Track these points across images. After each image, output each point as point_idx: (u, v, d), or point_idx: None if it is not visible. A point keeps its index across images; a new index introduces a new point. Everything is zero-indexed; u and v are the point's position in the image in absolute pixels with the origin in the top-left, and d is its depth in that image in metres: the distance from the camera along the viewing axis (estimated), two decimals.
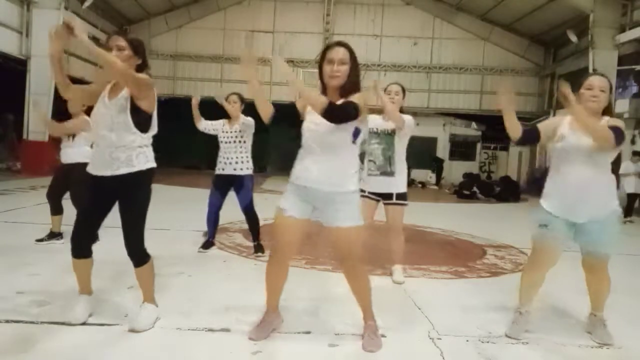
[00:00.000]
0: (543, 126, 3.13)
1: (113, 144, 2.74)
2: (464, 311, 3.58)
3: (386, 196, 4.25)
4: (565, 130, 3.00)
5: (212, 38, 19.48)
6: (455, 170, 21.34)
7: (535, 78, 19.55)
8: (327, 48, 2.74)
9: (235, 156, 4.91)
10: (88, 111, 3.22)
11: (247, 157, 4.97)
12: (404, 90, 4.30)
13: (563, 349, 2.97)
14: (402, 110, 4.25)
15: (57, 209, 4.99)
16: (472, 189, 15.65)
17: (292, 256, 2.92)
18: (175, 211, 7.82)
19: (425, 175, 20.81)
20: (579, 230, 3.00)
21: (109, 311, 3.08)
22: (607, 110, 2.96)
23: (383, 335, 2.91)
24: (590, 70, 13.95)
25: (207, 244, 5.12)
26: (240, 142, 4.93)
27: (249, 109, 3.55)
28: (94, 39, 14.53)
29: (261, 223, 5.12)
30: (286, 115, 2.89)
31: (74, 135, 4.85)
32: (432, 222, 8.30)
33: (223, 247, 5.29)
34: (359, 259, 2.84)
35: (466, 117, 21.56)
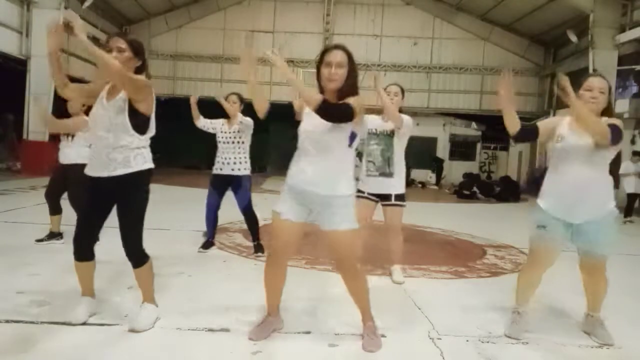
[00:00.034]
0: (542, 125, 3.14)
1: (110, 145, 2.74)
2: (464, 311, 3.58)
3: (384, 197, 4.25)
4: (565, 130, 3.00)
5: (212, 38, 19.48)
6: (455, 170, 21.35)
7: (535, 78, 19.56)
8: (325, 51, 2.74)
9: (233, 156, 4.91)
10: (88, 112, 3.22)
11: (245, 157, 4.97)
12: (403, 91, 4.30)
13: (563, 349, 2.97)
14: (401, 111, 4.24)
15: (55, 209, 4.99)
16: (472, 189, 15.65)
17: (289, 259, 2.92)
18: (175, 211, 7.83)
19: (425, 175, 20.82)
20: (576, 232, 3.00)
21: (109, 311, 3.08)
22: (607, 112, 2.96)
23: (383, 335, 2.91)
24: (591, 71, 13.96)
25: (207, 244, 5.12)
26: (238, 142, 4.92)
27: (249, 109, 3.55)
28: (94, 39, 14.56)
29: (261, 223, 5.12)
30: (286, 115, 2.89)
31: (72, 136, 4.85)
32: (432, 222, 8.30)
33: (223, 247, 5.29)
34: (356, 261, 2.86)
35: (466, 117, 21.57)
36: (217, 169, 4.97)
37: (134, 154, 2.78)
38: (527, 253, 3.36)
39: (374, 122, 4.25)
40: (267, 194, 10.88)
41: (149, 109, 2.81)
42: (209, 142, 5.05)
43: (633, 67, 14.07)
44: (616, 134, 2.81)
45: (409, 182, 19.44)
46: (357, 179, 3.29)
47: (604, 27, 14.26)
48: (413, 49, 19.81)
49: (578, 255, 3.13)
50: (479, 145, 22.91)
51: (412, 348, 2.87)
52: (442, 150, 22.46)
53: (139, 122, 2.78)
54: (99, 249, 2.95)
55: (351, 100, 2.61)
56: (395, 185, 4.24)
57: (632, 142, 13.85)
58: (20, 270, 3.91)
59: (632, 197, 10.43)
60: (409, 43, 19.82)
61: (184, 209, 7.81)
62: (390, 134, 4.21)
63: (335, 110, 2.57)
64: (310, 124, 2.68)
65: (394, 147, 4.21)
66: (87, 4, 15.15)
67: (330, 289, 3.87)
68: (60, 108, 4.90)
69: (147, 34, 19.27)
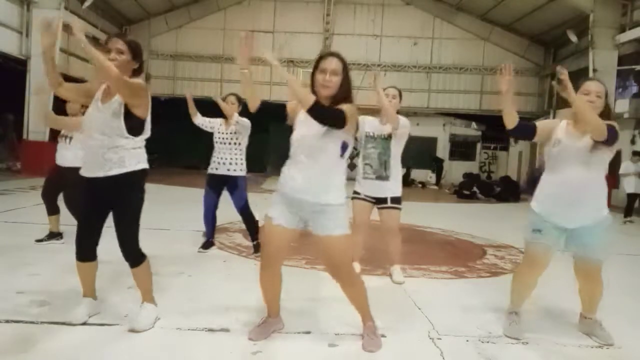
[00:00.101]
0: (540, 125, 3.13)
1: (105, 146, 2.74)
2: (464, 311, 3.58)
3: (380, 200, 4.25)
4: (562, 134, 3.01)
5: (212, 38, 19.48)
6: (455, 170, 21.36)
7: (535, 78, 19.56)
8: (320, 57, 2.74)
9: (229, 157, 4.91)
10: None
11: (241, 158, 4.96)
12: (400, 94, 4.30)
13: (563, 349, 2.97)
14: (398, 113, 4.25)
15: (53, 209, 4.99)
16: (472, 189, 15.66)
17: (281, 263, 2.91)
18: (175, 211, 7.83)
19: (425, 175, 20.83)
20: (570, 236, 3.01)
21: (109, 311, 3.08)
22: (604, 115, 2.96)
23: (383, 335, 2.91)
24: (591, 70, 13.97)
25: (207, 244, 5.12)
26: (235, 143, 4.92)
27: (247, 109, 3.54)
28: (94, 39, 14.58)
29: (261, 223, 5.12)
30: (286, 116, 2.89)
31: (70, 138, 4.84)
32: (432, 222, 8.30)
33: (223, 247, 5.29)
34: (351, 266, 2.88)
35: (466, 117, 21.58)
36: (212, 169, 4.97)
37: (129, 154, 2.78)
38: None
39: (372, 124, 4.24)
40: (267, 193, 10.88)
41: (144, 112, 2.81)
42: (209, 142, 5.05)
43: (633, 67, 14.07)
44: (613, 134, 2.81)
45: (409, 182, 19.47)
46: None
47: (604, 27, 14.26)
48: (413, 49, 19.82)
49: (573, 259, 3.13)
50: (479, 145, 22.92)
51: (412, 348, 2.87)
52: (442, 150, 22.48)
53: (134, 125, 2.78)
54: (98, 249, 2.96)
55: (344, 107, 2.61)
56: (392, 188, 4.24)
57: (632, 142, 13.84)
58: (20, 270, 3.91)
59: (632, 197, 10.42)
60: (409, 43, 19.82)
61: (183, 209, 7.81)
62: (388, 138, 4.19)
63: (328, 113, 2.57)
64: (303, 133, 2.69)
65: (391, 151, 4.20)
66: (87, 4, 15.15)
67: (330, 288, 3.85)
68: (60, 109, 4.90)
69: (147, 34, 19.29)
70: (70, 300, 3.08)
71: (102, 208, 2.85)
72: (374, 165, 4.22)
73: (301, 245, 4.73)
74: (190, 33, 19.80)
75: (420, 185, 19.89)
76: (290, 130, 2.81)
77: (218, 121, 5.03)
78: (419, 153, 19.34)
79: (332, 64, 2.67)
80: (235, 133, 4.90)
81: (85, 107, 2.95)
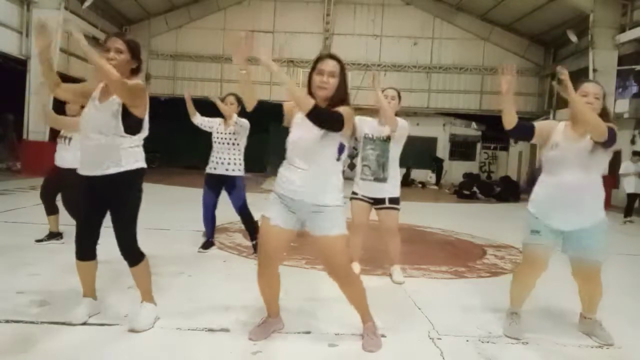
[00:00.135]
0: (538, 126, 3.12)
1: (102, 145, 2.74)
2: (464, 311, 3.58)
3: (378, 201, 4.25)
4: (559, 137, 3.00)
5: (212, 38, 19.47)
6: (455, 170, 21.37)
7: (535, 78, 19.56)
8: (318, 59, 2.74)
9: (228, 157, 4.90)
10: None
11: (239, 158, 4.96)
12: (399, 96, 4.29)
13: (563, 349, 2.97)
14: (397, 115, 4.25)
15: (51, 209, 4.99)
16: (472, 189, 15.67)
17: (279, 263, 2.91)
18: (175, 211, 7.84)
19: (425, 175, 20.84)
20: (567, 239, 3.01)
21: (109, 311, 3.08)
22: (601, 117, 2.95)
23: (383, 335, 2.91)
24: (591, 70, 13.97)
25: (207, 244, 5.12)
26: (233, 143, 4.92)
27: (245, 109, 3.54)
28: (94, 39, 14.57)
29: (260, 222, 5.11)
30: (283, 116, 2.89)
31: (70, 139, 4.83)
32: (432, 222, 8.30)
33: (223, 247, 5.29)
34: (349, 266, 2.88)
35: (466, 117, 21.59)
36: (210, 168, 4.97)
37: (126, 153, 2.78)
38: None
39: (370, 125, 4.24)
40: (267, 194, 10.87)
41: (142, 112, 2.82)
42: (209, 142, 5.05)
43: (633, 67, 14.08)
44: (612, 136, 2.82)
45: (409, 182, 19.49)
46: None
47: (604, 27, 14.26)
48: (413, 49, 19.82)
49: (570, 263, 3.13)
50: (479, 145, 22.93)
51: (412, 348, 2.87)
52: (442, 150, 22.49)
53: (132, 124, 2.78)
54: (98, 249, 2.96)
55: (341, 110, 2.61)
56: (389, 189, 4.24)
57: (632, 142, 13.85)
58: (20, 270, 3.91)
59: (632, 197, 10.40)
60: (409, 43, 19.82)
61: (183, 209, 7.80)
62: (386, 140, 4.19)
63: (326, 116, 2.57)
64: (300, 134, 2.68)
65: (390, 153, 4.20)
66: (87, 4, 15.14)
67: (330, 288, 3.85)
68: (60, 109, 4.90)
69: (147, 34, 19.29)
70: (70, 300, 3.07)
71: (100, 207, 2.85)
72: (372, 166, 4.22)
73: (301, 245, 4.75)
74: (190, 33, 19.80)
75: (420, 185, 19.90)
76: (288, 131, 2.81)
77: (217, 121, 5.03)
78: (419, 153, 19.34)
79: (329, 65, 2.67)
80: (234, 133, 4.90)
81: (84, 107, 2.95)
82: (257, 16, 19.60)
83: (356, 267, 4.23)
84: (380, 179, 4.20)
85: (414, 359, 2.76)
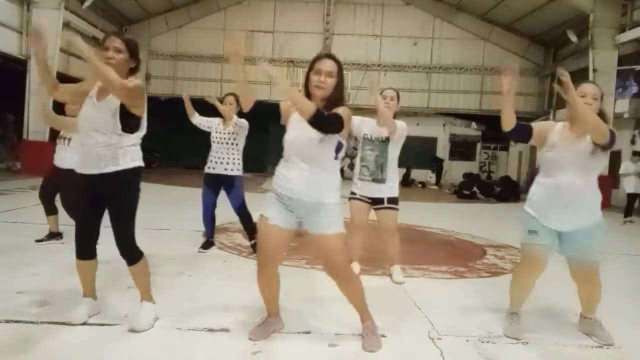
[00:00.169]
0: (536, 127, 3.11)
1: (100, 143, 2.74)
2: (464, 311, 3.58)
3: (377, 201, 4.25)
4: (556, 138, 3.00)
5: (212, 38, 19.47)
6: (455, 170, 21.37)
7: (535, 78, 19.56)
8: (316, 59, 2.75)
9: (227, 157, 4.91)
10: None
11: (238, 158, 4.96)
12: (398, 96, 4.29)
13: (563, 349, 2.97)
14: (395, 116, 4.25)
15: (51, 209, 4.99)
16: (472, 189, 15.67)
17: (278, 263, 2.91)
18: (175, 211, 7.84)
19: (425, 175, 20.85)
20: (564, 240, 3.01)
21: (109, 311, 3.08)
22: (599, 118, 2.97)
23: (383, 335, 2.91)
24: (591, 70, 13.96)
25: (207, 244, 5.12)
26: (232, 143, 4.92)
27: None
28: (94, 39, 14.55)
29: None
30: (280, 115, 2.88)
31: (69, 140, 4.83)
32: (432, 222, 8.30)
33: (223, 247, 5.29)
34: (348, 265, 2.88)
35: (466, 117, 21.59)
36: (209, 168, 4.97)
37: (123, 151, 2.78)
38: None
39: (370, 126, 4.23)
40: (267, 193, 10.88)
41: (141, 110, 2.82)
42: (209, 142, 5.05)
43: (633, 67, 14.08)
44: (612, 138, 2.83)
45: (409, 182, 19.49)
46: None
47: (604, 27, 14.25)
48: (413, 49, 19.82)
49: (568, 265, 3.13)
50: (479, 145, 22.94)
51: (412, 348, 2.87)
52: (442, 150, 22.49)
53: (130, 122, 2.78)
54: (98, 248, 2.96)
55: (340, 111, 2.62)
56: (388, 189, 4.23)
57: (632, 142, 13.85)
58: (20, 270, 3.91)
59: (632, 197, 10.41)
60: (409, 43, 19.82)
61: (183, 209, 7.80)
62: (385, 141, 4.19)
63: (328, 122, 2.58)
64: (297, 134, 2.69)
65: (388, 154, 4.20)
66: (87, 4, 15.14)
67: (330, 288, 3.85)
68: (59, 109, 4.89)
69: (147, 34, 19.30)
70: (70, 300, 3.07)
71: (99, 206, 2.85)
72: (370, 167, 4.22)
73: (301, 245, 4.75)
74: (190, 33, 19.80)
75: (420, 185, 19.90)
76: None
77: (216, 120, 5.03)
78: (419, 153, 19.35)
79: (327, 65, 2.68)
80: (233, 134, 4.91)
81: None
82: (257, 16, 19.60)
83: (356, 267, 4.23)
84: (379, 179, 4.20)
85: (414, 359, 2.76)
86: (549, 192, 3.00)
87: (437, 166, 21.05)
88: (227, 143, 4.91)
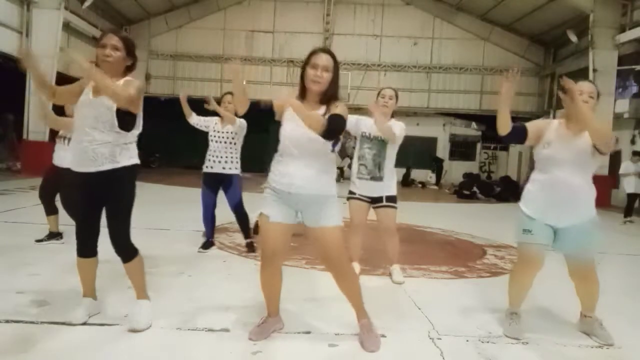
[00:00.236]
0: (531, 127, 3.12)
1: (95, 141, 2.74)
2: (464, 311, 3.58)
3: (376, 199, 4.25)
4: (553, 135, 3.01)
5: (212, 38, 19.47)
6: (455, 170, 21.36)
7: (535, 78, 19.54)
8: (312, 53, 2.76)
9: (225, 156, 4.91)
10: None
11: (236, 157, 4.97)
12: (397, 95, 4.30)
13: (563, 349, 2.97)
14: (394, 115, 4.25)
15: (51, 209, 4.98)
16: (472, 189, 15.67)
17: (282, 261, 2.92)
18: (175, 211, 7.84)
19: (425, 175, 20.84)
20: (560, 237, 3.02)
21: (109, 311, 3.08)
22: None
23: (383, 335, 2.91)
24: (591, 70, 13.96)
25: (207, 244, 5.12)
26: (231, 143, 4.92)
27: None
28: (94, 39, 14.51)
29: (253, 221, 5.11)
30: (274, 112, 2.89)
31: (69, 139, 4.83)
32: (432, 222, 8.30)
33: (223, 247, 5.29)
34: (345, 258, 2.88)
35: (466, 117, 21.58)
36: (207, 167, 4.97)
37: (120, 149, 2.78)
38: None
39: (368, 125, 4.23)
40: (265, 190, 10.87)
41: (137, 108, 2.82)
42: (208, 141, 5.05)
43: (633, 67, 14.08)
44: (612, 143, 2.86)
45: (409, 182, 19.49)
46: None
47: (604, 27, 14.25)
48: (413, 49, 19.80)
49: (566, 262, 3.14)
50: (479, 145, 22.93)
51: (412, 348, 2.87)
52: (442, 150, 22.48)
53: (126, 120, 2.78)
54: (98, 248, 2.96)
55: (339, 111, 2.64)
56: (386, 188, 4.24)
57: (632, 142, 13.85)
58: (20, 270, 3.91)
59: (632, 197, 10.41)
60: (409, 43, 19.80)
61: (183, 209, 7.80)
62: (383, 139, 4.19)
63: (337, 129, 2.62)
64: (293, 129, 2.69)
65: (386, 153, 4.20)
66: (87, 4, 15.13)
67: (330, 288, 3.86)
68: (59, 110, 4.89)
69: (147, 34, 19.29)
70: (70, 300, 3.08)
71: (97, 204, 2.85)
72: (368, 166, 4.22)
73: (301, 245, 4.75)
74: (190, 33, 19.78)
75: (420, 185, 19.90)
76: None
77: (213, 120, 5.03)
78: (419, 153, 19.35)
79: (323, 59, 2.69)
80: (232, 133, 4.91)
81: None
82: (257, 16, 19.59)
83: (356, 267, 4.23)
84: (377, 178, 4.21)
85: (414, 359, 2.76)
86: (545, 189, 3.01)
87: (437, 166, 21.04)
88: (225, 142, 4.91)
